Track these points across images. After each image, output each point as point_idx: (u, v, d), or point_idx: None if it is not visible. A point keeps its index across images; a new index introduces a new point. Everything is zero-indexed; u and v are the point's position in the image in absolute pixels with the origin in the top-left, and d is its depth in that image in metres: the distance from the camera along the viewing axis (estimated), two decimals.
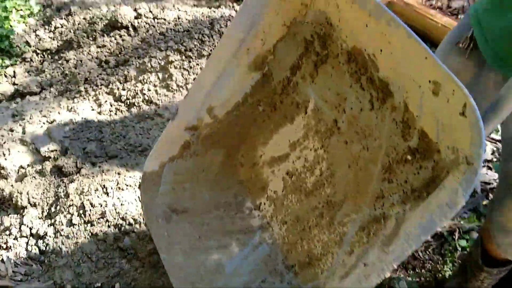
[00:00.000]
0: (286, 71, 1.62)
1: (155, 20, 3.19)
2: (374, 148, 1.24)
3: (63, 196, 2.15)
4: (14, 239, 2.13)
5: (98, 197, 2.09)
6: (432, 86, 0.93)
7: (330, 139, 1.42)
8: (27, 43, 3.58)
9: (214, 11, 3.13)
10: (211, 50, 2.59)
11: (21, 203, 2.20)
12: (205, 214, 1.72)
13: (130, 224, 2.04)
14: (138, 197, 2.12)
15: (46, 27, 3.72)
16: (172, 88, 2.54)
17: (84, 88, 2.76)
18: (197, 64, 2.56)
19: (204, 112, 1.64)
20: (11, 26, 3.68)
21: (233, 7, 4.14)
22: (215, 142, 1.76)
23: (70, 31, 3.49)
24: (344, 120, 1.37)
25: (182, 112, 1.63)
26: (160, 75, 2.59)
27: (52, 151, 2.32)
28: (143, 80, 2.61)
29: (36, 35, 3.65)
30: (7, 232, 2.15)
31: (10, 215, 2.23)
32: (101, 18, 3.36)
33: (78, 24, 3.51)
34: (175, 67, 2.57)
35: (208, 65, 1.52)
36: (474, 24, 1.34)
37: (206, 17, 3.04)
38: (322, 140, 1.46)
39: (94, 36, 3.28)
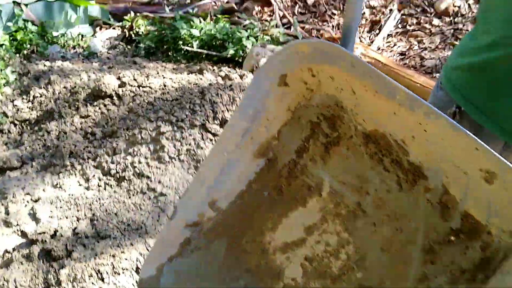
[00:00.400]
0: (291, 154, 1.58)
1: (140, 88, 3.16)
2: (409, 230, 1.19)
3: (54, 284, 2.00)
4: None
5: (92, 283, 1.96)
6: (485, 175, 0.91)
7: (355, 222, 1.37)
8: (4, 113, 3.47)
9: (201, 78, 3.13)
10: (203, 120, 2.55)
11: None
12: None
13: None
14: (136, 281, 1.99)
15: (24, 96, 3.62)
16: (164, 160, 2.47)
17: (70, 162, 2.65)
18: (190, 135, 2.51)
19: (206, 206, 1.55)
20: None
21: (213, 70, 4.17)
22: (218, 233, 1.67)
23: (50, 101, 3.41)
24: (369, 203, 1.32)
25: (182, 210, 1.54)
26: (151, 146, 2.52)
27: (39, 233, 2.19)
28: (133, 152, 2.53)
29: (14, 105, 3.55)
30: None
31: None
32: (83, 87, 3.30)
33: (59, 93, 3.43)
34: (167, 138, 2.51)
35: (209, 159, 1.46)
36: (461, 101, 1.34)
37: (194, 84, 3.03)
38: (345, 224, 1.40)
39: (76, 106, 3.20)
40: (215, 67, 4.29)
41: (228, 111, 2.60)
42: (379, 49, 4.50)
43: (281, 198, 1.65)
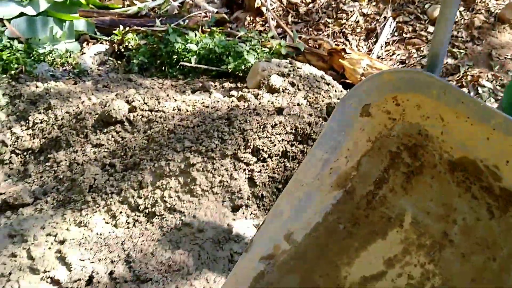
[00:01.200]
0: (370, 185, 1.54)
1: (152, 112, 3.03)
2: (503, 258, 1.17)
3: None
4: None
5: None
6: None
7: (441, 253, 1.33)
8: (3, 142, 3.26)
9: (218, 101, 3.02)
10: (234, 150, 2.46)
11: None
12: None
13: None
14: None
15: (22, 123, 3.42)
16: (196, 193, 2.37)
17: (92, 197, 2.51)
18: (221, 166, 2.42)
19: (281, 238, 1.52)
20: None
21: (215, 86, 4.07)
22: (292, 267, 1.62)
23: (53, 128, 3.23)
24: (456, 232, 1.28)
25: (258, 242, 1.49)
26: (181, 179, 2.41)
27: (74, 281, 2.05)
28: (161, 185, 2.41)
29: (12, 133, 3.34)
30: None
31: None
32: (90, 113, 3.14)
33: (61, 119, 3.26)
34: (198, 170, 2.41)
35: (287, 190, 1.43)
36: None
37: (212, 108, 2.92)
38: (429, 255, 1.36)
39: (85, 133, 3.04)
40: (216, 83, 4.19)
41: (259, 138, 2.51)
42: (378, 57, 4.50)
43: (358, 230, 1.59)
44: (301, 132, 2.60)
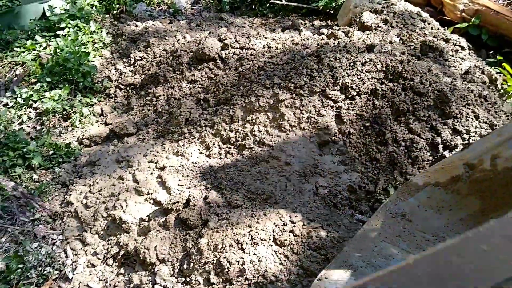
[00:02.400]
0: None
1: (243, 50, 3.11)
2: None
3: (195, 253, 2.09)
4: None
5: (234, 253, 2.02)
6: None
7: None
8: (109, 78, 3.54)
9: (307, 39, 3.03)
10: (323, 87, 2.49)
11: (149, 259, 2.15)
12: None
13: (271, 282, 1.95)
14: (275, 251, 2.04)
15: (125, 60, 3.68)
16: (284, 128, 2.45)
17: (188, 129, 2.69)
18: (310, 102, 2.47)
19: (487, 156, 1.60)
20: (89, 60, 3.65)
21: (305, 24, 4.04)
22: (479, 190, 1.67)
23: (152, 65, 3.44)
24: None
25: (472, 148, 1.62)
26: (270, 114, 2.51)
27: (174, 202, 2.26)
28: (251, 120, 2.53)
29: (116, 69, 3.61)
30: None
31: (138, 272, 2.18)
32: (185, 50, 3.30)
33: (159, 56, 3.45)
34: (286, 106, 2.48)
35: None
36: None
37: (301, 46, 2.94)
38: None
39: (181, 70, 3.21)
40: (306, 21, 4.16)
41: (348, 76, 2.51)
42: None
43: None
44: (392, 70, 2.56)
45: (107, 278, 2.24)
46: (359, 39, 3.01)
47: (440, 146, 2.47)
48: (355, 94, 2.49)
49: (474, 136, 2.51)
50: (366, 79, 2.51)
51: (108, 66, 3.68)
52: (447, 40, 3.16)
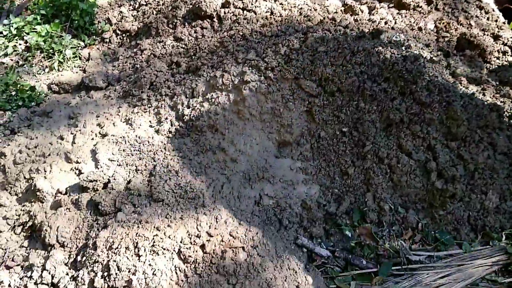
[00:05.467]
0: None
1: (244, 11, 2.64)
2: None
3: (91, 246, 1.77)
4: (34, 284, 1.81)
5: (127, 258, 1.68)
6: None
7: None
8: (108, 20, 3.22)
9: (315, 9, 2.49)
10: (297, 74, 1.99)
11: (48, 239, 1.87)
12: None
13: None
14: (175, 267, 1.67)
15: (132, 2, 3.33)
16: (243, 116, 2.01)
17: (147, 95, 2.32)
18: (278, 90, 1.99)
19: None
20: None
21: None
22: None
23: (152, 12, 3.06)
24: None
25: None
26: (231, 96, 2.06)
27: (92, 181, 1.94)
28: (211, 99, 2.10)
29: (120, 12, 3.28)
30: (29, 273, 1.83)
31: (37, 250, 1.91)
32: (185, 2, 2.87)
33: (162, 4, 3.06)
34: (250, 90, 2.02)
35: None
36: None
37: (304, 16, 2.42)
38: None
39: (174, 24, 2.81)
40: None
41: (331, 65, 1.99)
42: None
43: None
44: (390, 67, 1.98)
45: (8, 248, 1.99)
46: (381, 19, 2.43)
47: (434, 174, 1.91)
48: (335, 89, 1.97)
49: (482, 169, 1.93)
50: (353, 73, 1.96)
51: (114, 6, 3.36)
52: (496, 37, 2.48)
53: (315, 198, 1.93)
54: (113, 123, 2.26)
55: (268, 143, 1.97)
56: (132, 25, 3.10)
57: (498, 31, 2.52)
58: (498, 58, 2.39)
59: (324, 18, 2.37)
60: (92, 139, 2.22)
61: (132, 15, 3.21)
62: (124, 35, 3.12)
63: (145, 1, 3.20)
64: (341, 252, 1.84)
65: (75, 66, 2.97)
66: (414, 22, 2.48)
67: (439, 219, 1.94)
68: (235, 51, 2.21)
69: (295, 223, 1.90)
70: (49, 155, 2.17)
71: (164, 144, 2.11)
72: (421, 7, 2.67)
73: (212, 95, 2.10)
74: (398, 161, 1.93)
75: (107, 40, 3.16)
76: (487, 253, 1.88)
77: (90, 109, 2.41)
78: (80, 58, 3.03)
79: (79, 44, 3.11)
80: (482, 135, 1.95)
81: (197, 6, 2.70)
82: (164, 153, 2.06)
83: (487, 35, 2.49)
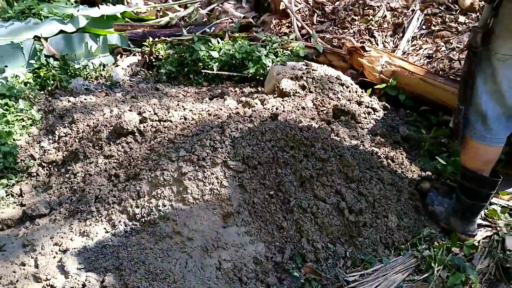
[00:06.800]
0: None
1: (161, 123, 3.12)
2: None
3: None
4: None
5: None
6: None
7: None
8: (32, 156, 3.50)
9: (221, 108, 3.07)
10: (225, 158, 2.49)
11: None
12: None
13: None
14: None
15: (50, 136, 3.65)
16: (188, 201, 2.42)
17: (96, 207, 2.64)
18: (212, 174, 2.45)
19: None
20: (14, 140, 3.62)
21: (235, 92, 4.10)
22: None
23: (75, 141, 3.42)
24: None
25: None
26: (174, 188, 2.48)
27: None
28: (156, 195, 2.49)
29: (41, 147, 3.58)
30: None
31: None
32: (106, 125, 3.29)
33: (82, 132, 3.44)
34: (189, 179, 2.46)
35: None
36: None
37: (214, 116, 2.97)
38: None
39: (100, 145, 3.20)
40: (237, 88, 4.23)
41: (249, 146, 2.52)
42: (404, 53, 4.34)
43: None
44: (292, 137, 2.58)
45: None
46: (272, 106, 3.06)
47: (346, 211, 2.46)
48: (256, 163, 2.49)
49: (379, 199, 2.52)
50: (267, 148, 2.52)
51: (33, 143, 3.64)
52: (360, 103, 3.23)
53: (263, 253, 2.35)
54: (71, 239, 2.52)
55: (214, 218, 2.38)
56: (57, 155, 3.41)
57: (360, 98, 3.29)
58: (365, 118, 3.13)
59: (230, 114, 2.94)
60: (54, 257, 2.45)
61: (53, 148, 3.52)
62: (50, 165, 3.40)
63: (64, 133, 3.54)
64: None
65: (10, 203, 3.16)
66: (297, 104, 3.15)
67: (360, 245, 2.45)
68: (167, 153, 2.66)
69: (252, 278, 2.28)
70: (17, 281, 2.34)
71: (124, 242, 2.41)
72: (298, 93, 3.38)
73: (157, 191, 2.49)
74: (318, 208, 2.45)
75: (34, 174, 3.41)
76: (401, 261, 2.41)
77: (43, 233, 2.64)
78: (13, 196, 3.23)
79: (8, 183, 3.32)
80: (371, 174, 2.57)
81: (118, 126, 3.13)
82: (127, 249, 2.37)
83: (353, 102, 3.24)
